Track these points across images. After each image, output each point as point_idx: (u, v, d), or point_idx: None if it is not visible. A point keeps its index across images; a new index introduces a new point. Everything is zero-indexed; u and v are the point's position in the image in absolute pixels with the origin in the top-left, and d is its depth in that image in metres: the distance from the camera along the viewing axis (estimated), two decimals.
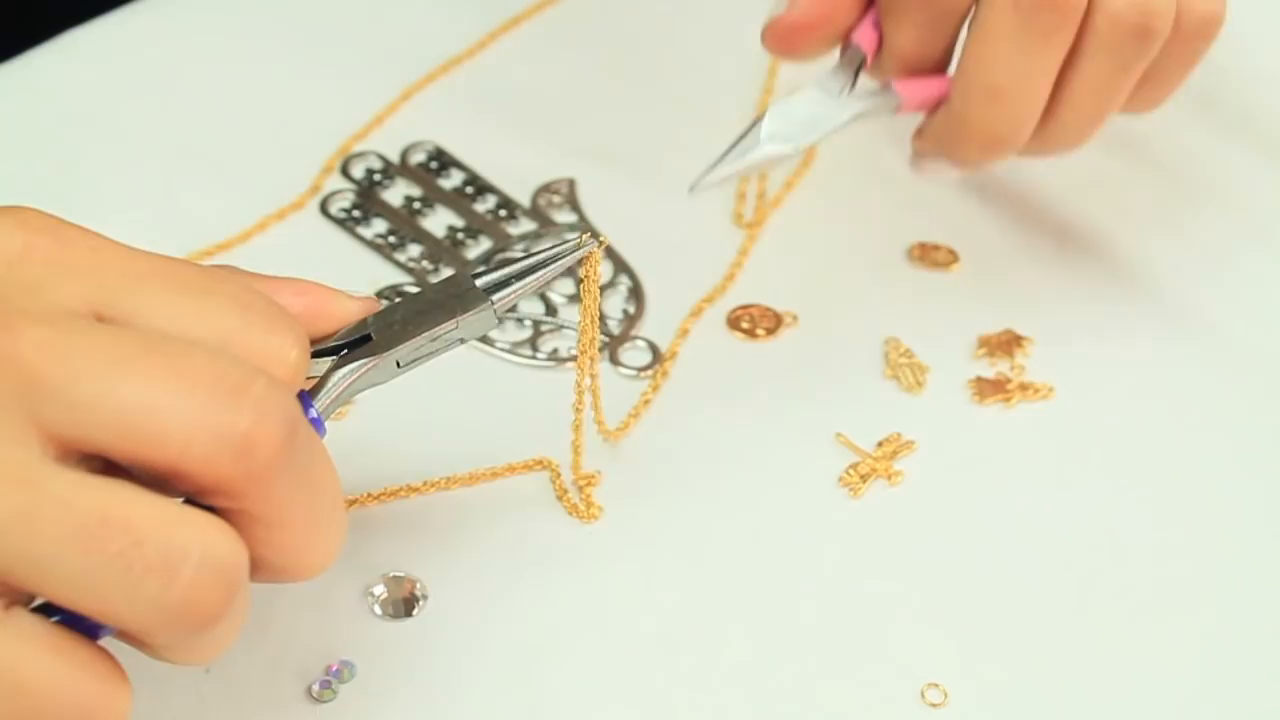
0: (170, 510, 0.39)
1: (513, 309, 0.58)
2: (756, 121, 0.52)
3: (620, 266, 0.61)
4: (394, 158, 0.64)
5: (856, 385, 0.58)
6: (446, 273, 0.60)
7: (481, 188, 0.63)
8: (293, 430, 0.40)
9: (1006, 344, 0.59)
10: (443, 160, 0.64)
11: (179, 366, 0.39)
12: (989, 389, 0.58)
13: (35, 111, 0.64)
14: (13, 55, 0.65)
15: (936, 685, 0.50)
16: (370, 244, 0.61)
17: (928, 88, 0.55)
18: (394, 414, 0.56)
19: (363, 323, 0.47)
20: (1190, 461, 0.57)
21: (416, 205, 0.62)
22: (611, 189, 0.64)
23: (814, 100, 0.53)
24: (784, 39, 0.53)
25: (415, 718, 0.49)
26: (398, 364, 0.47)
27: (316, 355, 0.46)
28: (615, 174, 0.64)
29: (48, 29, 0.66)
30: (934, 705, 0.50)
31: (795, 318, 0.60)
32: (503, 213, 0.62)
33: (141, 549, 0.38)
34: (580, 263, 0.49)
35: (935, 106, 0.55)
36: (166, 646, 0.40)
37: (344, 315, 0.46)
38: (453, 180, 0.63)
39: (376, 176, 0.63)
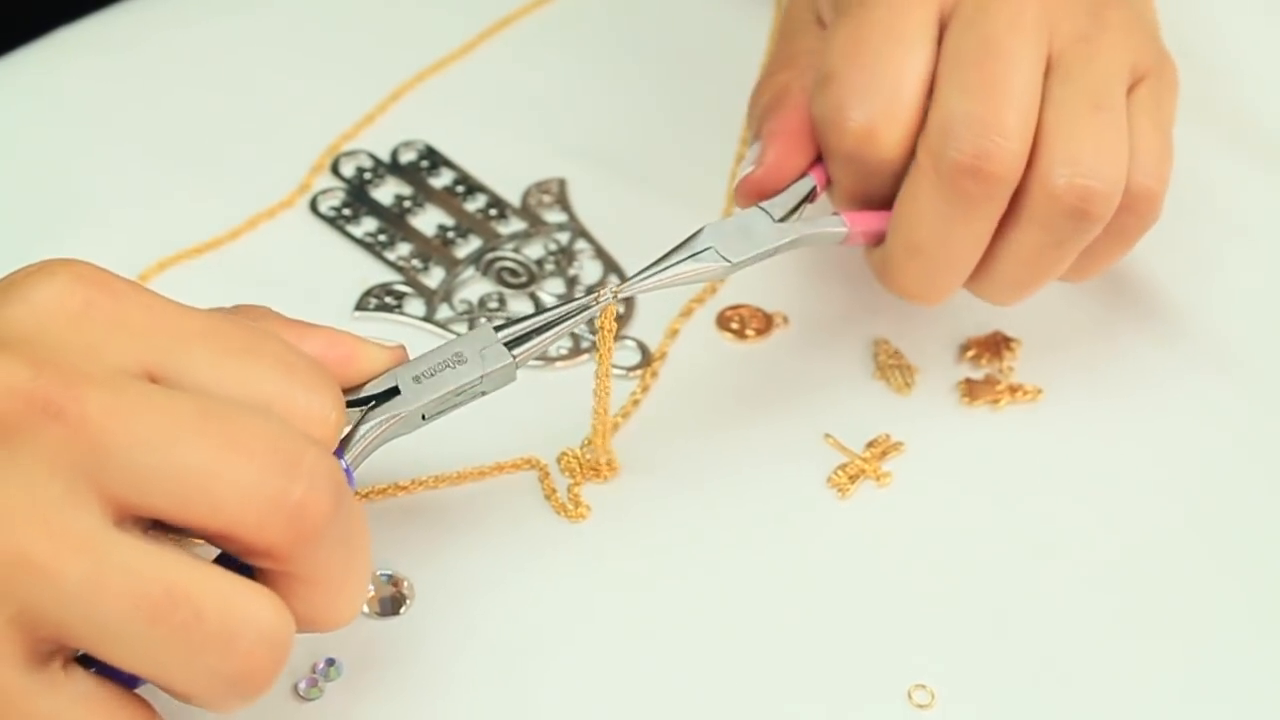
0: (227, 582, 0.40)
1: (500, 307, 0.59)
2: (695, 234, 0.52)
3: (610, 266, 0.61)
4: (384, 156, 0.64)
5: (845, 386, 0.58)
6: (436, 272, 0.60)
7: (472, 187, 0.63)
8: (340, 497, 0.41)
9: (995, 346, 0.59)
10: (433, 159, 0.64)
11: (235, 434, 0.40)
12: (977, 390, 0.58)
13: (24, 110, 0.64)
14: (2, 53, 0.65)
15: (924, 686, 0.51)
16: (360, 242, 0.61)
17: (875, 220, 0.55)
18: None
19: (389, 374, 0.48)
20: (1178, 463, 0.57)
21: (406, 204, 0.62)
22: (602, 189, 0.64)
23: (756, 221, 0.53)
24: (753, 193, 0.54)
25: (401, 716, 0.49)
26: (423, 417, 0.48)
27: (349, 406, 0.47)
28: (605, 174, 0.64)
29: (36, 28, 0.66)
30: (921, 706, 0.50)
31: (785, 318, 0.60)
32: (493, 212, 0.62)
33: (202, 622, 0.39)
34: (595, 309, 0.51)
35: (880, 240, 0.55)
36: (209, 705, 0.41)
37: (373, 367, 0.48)
38: (443, 179, 0.63)
39: (367, 175, 0.63)
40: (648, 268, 0.51)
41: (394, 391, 0.47)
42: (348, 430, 0.47)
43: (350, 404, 0.47)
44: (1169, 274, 0.62)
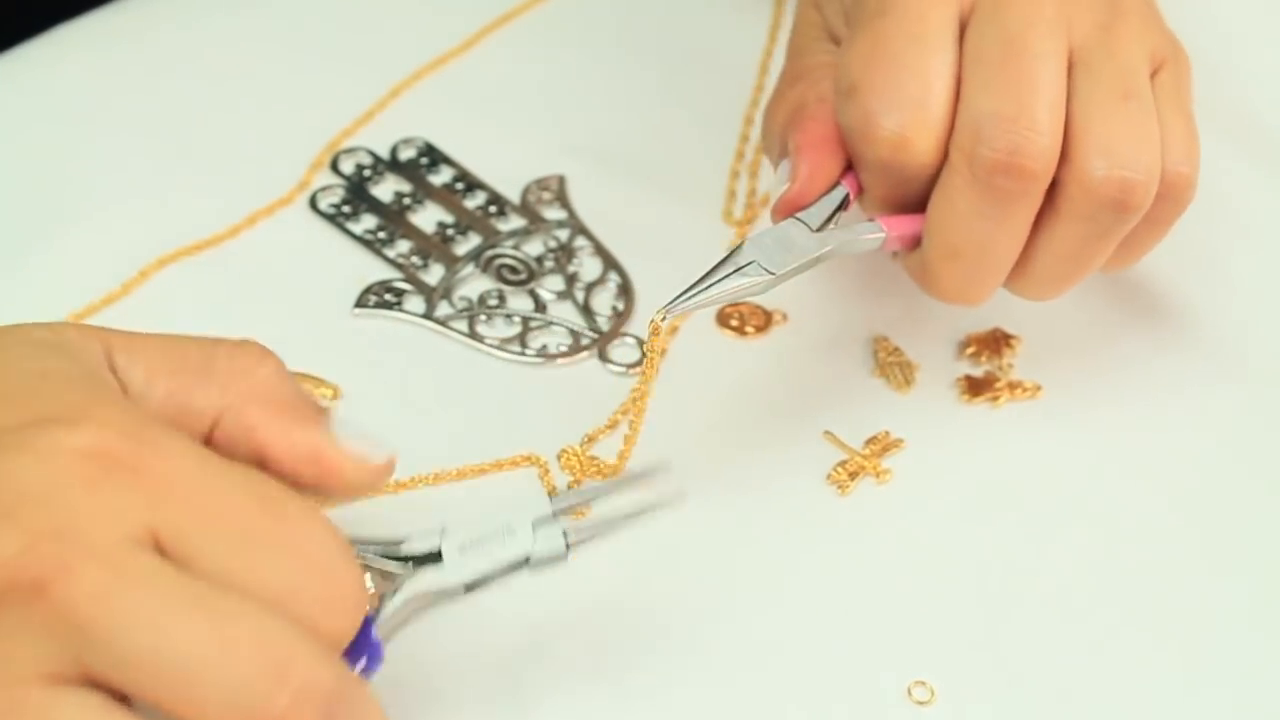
0: None
1: (500, 304, 0.59)
2: (736, 248, 0.52)
3: (610, 264, 0.61)
4: (384, 154, 0.64)
5: (845, 383, 0.58)
6: (436, 269, 0.60)
7: (471, 184, 0.63)
8: (329, 711, 0.40)
9: (994, 343, 0.60)
10: (432, 156, 0.64)
11: (228, 629, 0.39)
12: (977, 388, 0.58)
13: (25, 107, 0.64)
14: (1, 51, 0.65)
15: (923, 683, 0.51)
16: (359, 239, 0.61)
17: (911, 224, 0.54)
18: (381, 410, 0.56)
19: (432, 534, 0.45)
20: (1177, 460, 0.57)
21: (406, 201, 0.62)
22: (601, 186, 0.64)
23: (794, 232, 0.53)
24: (790, 209, 0.53)
25: (403, 717, 0.49)
26: (465, 588, 0.45)
27: (386, 557, 0.45)
28: (605, 171, 0.64)
29: (37, 25, 0.66)
30: (921, 703, 0.50)
31: (785, 316, 0.60)
32: (492, 209, 0.62)
33: None
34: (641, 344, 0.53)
35: (917, 244, 0.54)
36: None
37: (352, 489, 0.46)
38: (442, 176, 0.63)
39: (366, 172, 0.63)
40: (693, 285, 0.51)
41: (436, 556, 0.45)
42: (380, 597, 0.44)
43: (389, 556, 0.45)
44: (1170, 272, 0.62)
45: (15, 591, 0.38)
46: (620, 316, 0.60)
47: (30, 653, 0.38)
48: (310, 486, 0.45)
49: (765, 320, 0.60)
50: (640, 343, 0.59)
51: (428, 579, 0.45)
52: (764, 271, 0.51)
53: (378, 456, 0.45)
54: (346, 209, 0.62)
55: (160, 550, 0.40)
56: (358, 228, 0.61)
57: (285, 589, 0.40)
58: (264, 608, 0.40)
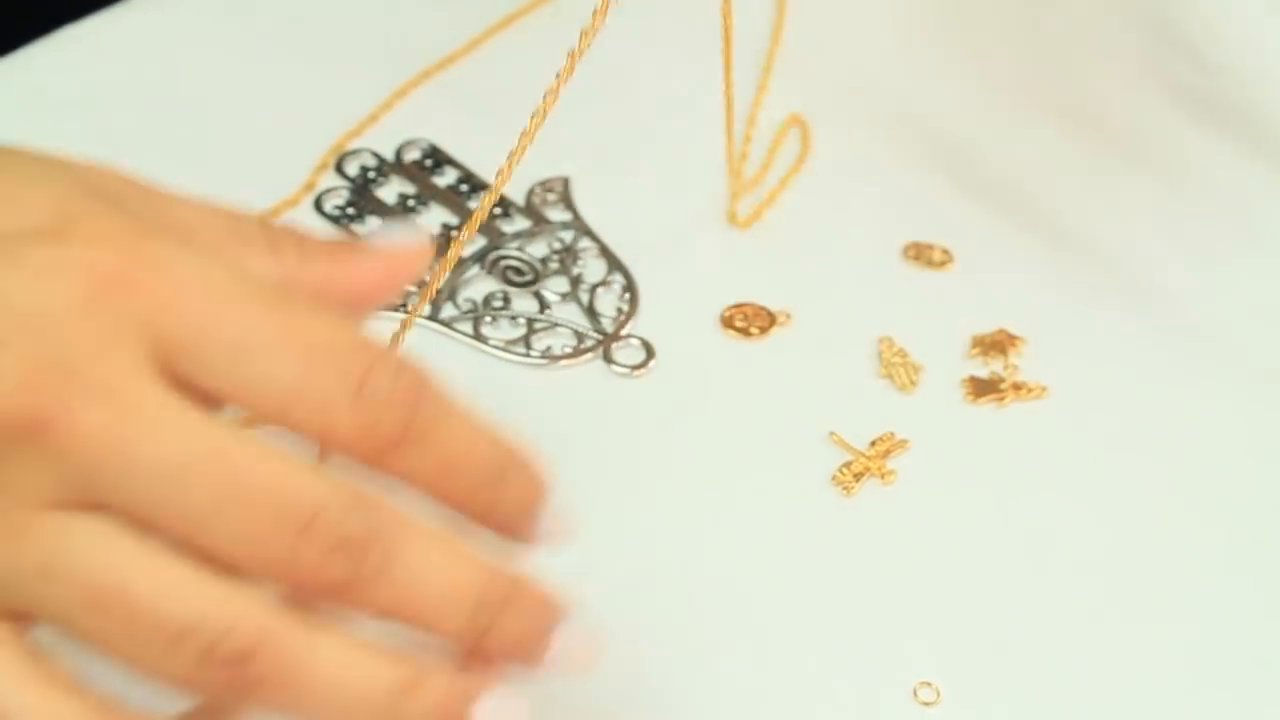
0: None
1: (505, 306, 0.58)
2: None
3: (614, 265, 0.61)
4: (389, 155, 0.64)
5: (850, 384, 0.58)
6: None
7: (476, 185, 0.63)
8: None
9: (1000, 344, 0.60)
10: (437, 158, 0.64)
11: (241, 460, 0.37)
12: (982, 388, 0.58)
13: (28, 109, 0.64)
14: (6, 53, 0.65)
15: (929, 684, 0.51)
16: None
17: None
18: None
19: None
20: (1184, 461, 0.57)
21: (411, 203, 0.62)
22: (606, 187, 0.64)
23: None
24: None
25: None
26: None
27: None
28: (610, 172, 0.64)
29: (40, 27, 0.66)
30: (926, 704, 0.50)
31: (789, 316, 0.60)
32: (497, 210, 0.62)
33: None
34: None
35: None
36: None
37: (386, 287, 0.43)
38: (447, 178, 0.63)
39: (371, 174, 0.63)
40: None
41: None
42: None
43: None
44: (1176, 272, 0.62)
45: (13, 429, 0.36)
46: (624, 317, 0.60)
47: (33, 482, 0.36)
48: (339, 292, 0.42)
49: (769, 321, 0.60)
50: (643, 342, 0.59)
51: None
52: None
53: (416, 238, 0.43)
54: (352, 211, 0.62)
55: (167, 370, 0.38)
56: (363, 229, 0.61)
57: (302, 389, 0.38)
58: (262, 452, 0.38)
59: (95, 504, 0.37)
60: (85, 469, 0.37)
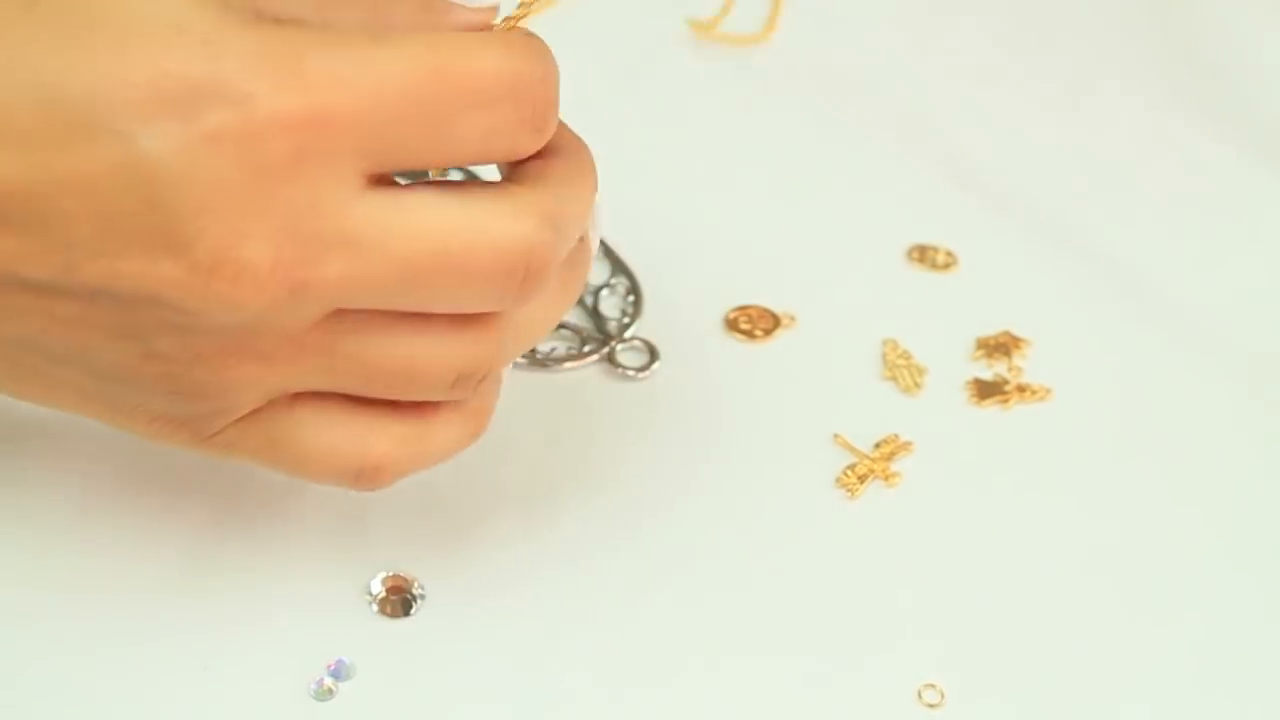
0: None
1: None
2: None
3: (618, 267, 0.61)
4: None
5: (854, 386, 0.58)
6: None
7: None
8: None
9: (1004, 346, 0.60)
10: None
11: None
12: (986, 390, 0.58)
13: None
14: None
15: (933, 686, 0.51)
16: None
17: None
18: None
19: None
20: (1189, 464, 0.57)
21: None
22: (610, 189, 0.63)
23: None
24: None
25: (416, 717, 0.49)
26: None
27: None
28: (613, 174, 0.64)
29: None
30: (931, 706, 0.50)
31: (793, 318, 0.60)
32: None
33: None
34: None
35: None
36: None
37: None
38: (451, 179, 0.63)
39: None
40: None
41: None
42: None
43: None
44: (1181, 274, 0.62)
45: (275, 299, 0.40)
46: (628, 320, 0.60)
47: (304, 315, 0.41)
48: None
49: (773, 323, 0.60)
50: (646, 344, 0.59)
51: None
52: None
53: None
54: None
55: (373, 176, 0.41)
56: None
57: (488, 131, 0.42)
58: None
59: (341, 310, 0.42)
60: (339, 298, 0.41)
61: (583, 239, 0.47)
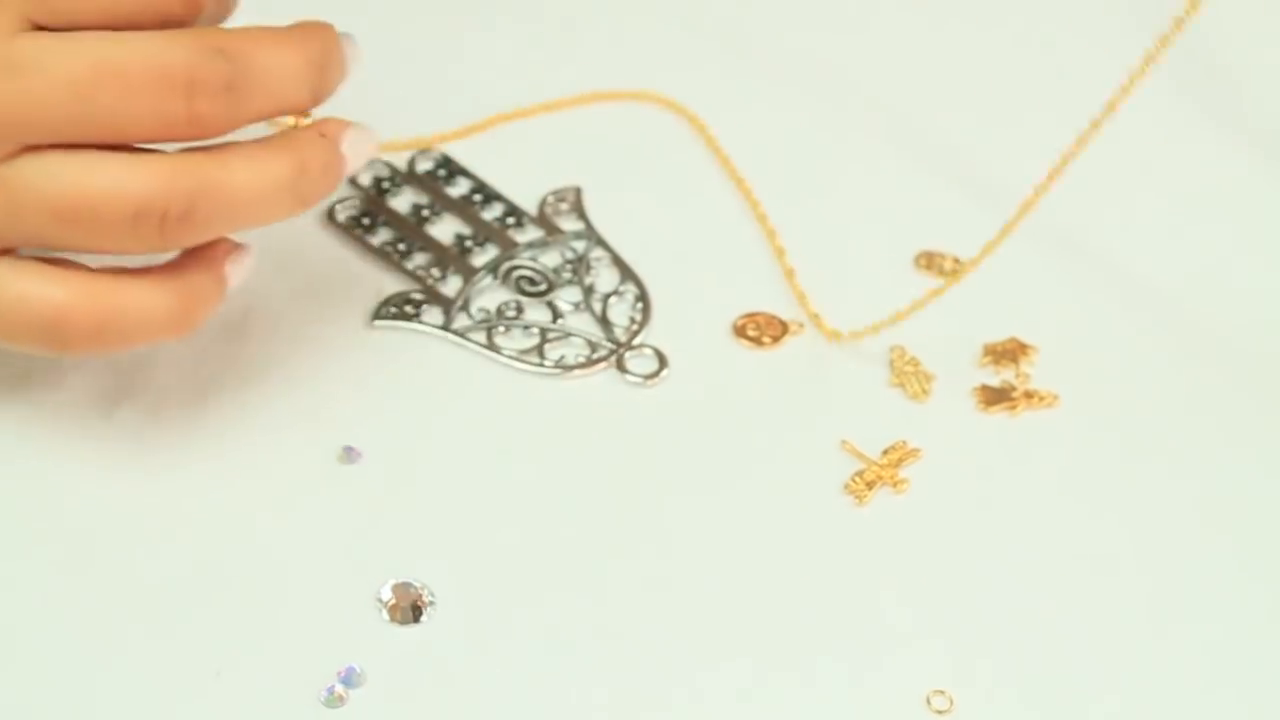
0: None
1: (518, 315, 0.59)
2: None
3: (627, 274, 0.61)
4: (401, 165, 0.64)
5: (862, 393, 0.58)
6: (454, 280, 0.61)
7: (489, 195, 0.63)
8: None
9: (1011, 352, 0.60)
10: (450, 168, 0.64)
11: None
12: (994, 397, 0.58)
13: None
14: None
15: (942, 692, 0.51)
16: (377, 251, 0.61)
17: None
18: (399, 423, 0.56)
19: None
20: (1197, 470, 0.57)
21: (424, 213, 0.63)
22: (618, 196, 0.64)
23: None
24: None
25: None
26: None
27: None
28: (622, 182, 0.64)
29: None
30: (940, 712, 0.50)
31: (801, 325, 0.60)
32: (510, 220, 0.63)
33: None
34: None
35: None
36: None
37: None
38: (460, 188, 0.64)
39: (384, 184, 0.63)
40: None
41: None
42: None
43: None
44: (1188, 280, 0.62)
45: None
46: (637, 327, 0.60)
47: None
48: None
49: (782, 330, 0.60)
50: (656, 351, 0.59)
51: None
52: None
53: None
54: (365, 221, 0.62)
55: (35, 23, 0.47)
56: (376, 239, 0.62)
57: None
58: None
59: (25, 148, 0.47)
60: (16, 130, 0.46)
61: (341, 152, 0.51)
